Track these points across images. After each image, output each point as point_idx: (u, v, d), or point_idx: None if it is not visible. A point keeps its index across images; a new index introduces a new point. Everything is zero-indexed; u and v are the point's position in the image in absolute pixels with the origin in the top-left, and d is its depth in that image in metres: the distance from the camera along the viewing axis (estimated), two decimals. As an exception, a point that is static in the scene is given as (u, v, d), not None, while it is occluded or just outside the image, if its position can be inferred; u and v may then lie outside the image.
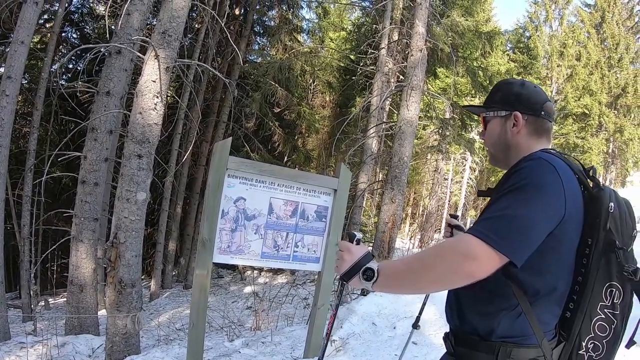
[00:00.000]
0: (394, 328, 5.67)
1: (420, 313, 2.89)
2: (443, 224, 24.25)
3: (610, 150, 33.24)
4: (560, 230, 1.39)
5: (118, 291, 4.81)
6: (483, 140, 1.82)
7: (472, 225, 1.44)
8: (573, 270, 1.49)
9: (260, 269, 14.27)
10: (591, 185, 1.51)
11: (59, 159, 7.17)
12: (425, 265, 1.41)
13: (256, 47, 16.78)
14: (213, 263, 3.94)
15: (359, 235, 1.69)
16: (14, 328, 7.53)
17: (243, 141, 13.56)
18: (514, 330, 1.46)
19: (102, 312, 7.13)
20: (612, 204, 1.45)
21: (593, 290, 1.45)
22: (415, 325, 2.86)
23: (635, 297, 1.48)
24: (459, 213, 23.27)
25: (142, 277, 7.45)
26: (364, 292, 6.12)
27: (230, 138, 4.07)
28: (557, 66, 27.64)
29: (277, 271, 14.02)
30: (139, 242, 4.97)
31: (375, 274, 1.45)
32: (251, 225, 4.09)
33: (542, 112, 1.63)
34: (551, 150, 1.59)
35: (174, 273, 14.91)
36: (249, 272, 14.82)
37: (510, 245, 1.31)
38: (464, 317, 1.60)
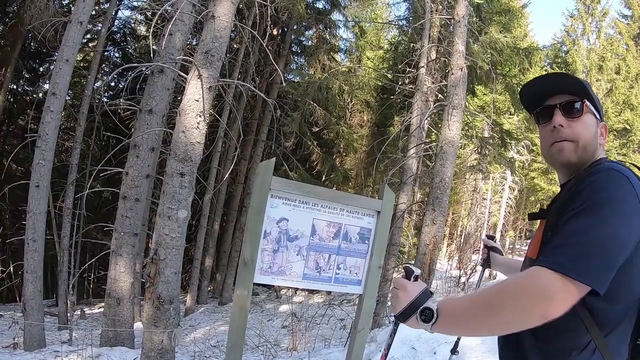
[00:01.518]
0: (434, 353, 5.58)
1: (459, 337, 2.75)
2: (481, 246, 23.73)
3: None
4: (636, 249, 1.20)
5: (156, 307, 4.84)
6: (562, 128, 1.45)
7: (540, 256, 1.24)
8: None
9: (296, 288, 14.25)
10: None
11: (101, 174, 7.33)
12: (490, 306, 1.25)
13: (294, 66, 16.98)
14: (254, 283, 3.92)
15: (417, 271, 1.55)
16: (49, 336, 7.67)
17: (282, 160, 13.64)
18: None
19: (137, 325, 7.20)
20: None
21: None
22: (454, 351, 2.73)
23: None
24: (498, 234, 22.89)
25: (179, 293, 7.52)
26: None
27: (274, 159, 4.03)
28: (597, 80, 26.94)
29: (313, 290, 13.97)
30: (178, 259, 5.00)
31: (435, 315, 1.34)
32: (293, 246, 4.04)
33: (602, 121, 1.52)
34: (613, 160, 1.39)
35: (209, 289, 15.04)
36: (284, 291, 14.82)
37: (592, 272, 1.14)
38: (524, 359, 1.39)
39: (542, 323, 1.16)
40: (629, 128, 26.61)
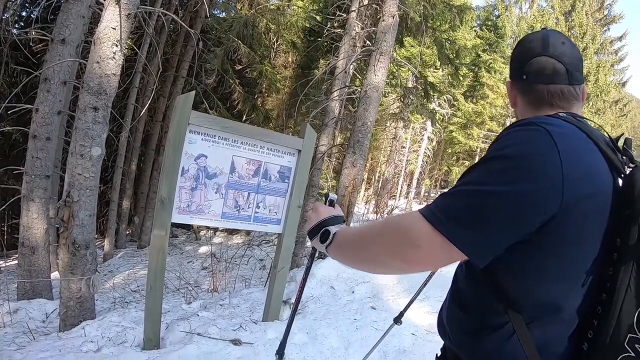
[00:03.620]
0: (353, 292, 5.70)
1: (405, 308, 2.68)
2: (398, 191, 24.78)
3: None
4: (559, 223, 1.01)
5: (72, 253, 4.59)
6: None
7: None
8: (595, 284, 1.07)
9: (216, 229, 14.15)
10: (621, 162, 1.11)
11: (9, 112, 6.80)
12: (367, 239, 1.21)
13: (221, 0, 16.29)
14: (172, 222, 3.79)
15: (333, 196, 1.58)
16: (-40, 292, 7.16)
17: (202, 97, 13.22)
18: (501, 355, 1.12)
19: (55, 275, 6.88)
20: None
21: (620, 314, 1.01)
22: (397, 320, 2.68)
23: None
24: (414, 181, 23.67)
25: (96, 237, 7.19)
26: (323, 256, 6.03)
27: (193, 92, 3.86)
28: (521, 48, 28.25)
29: (232, 231, 13.94)
30: (93, 200, 4.74)
31: (330, 238, 1.32)
32: (212, 184, 3.94)
33: (524, 76, 1.29)
34: (560, 114, 1.17)
35: (127, 232, 14.63)
36: (203, 232, 14.69)
37: (461, 231, 1.01)
38: (450, 332, 1.30)
39: (409, 270, 1.11)
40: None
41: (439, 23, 13.12)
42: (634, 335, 1.00)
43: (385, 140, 18.10)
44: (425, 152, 19.30)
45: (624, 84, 37.83)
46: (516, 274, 1.08)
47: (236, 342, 3.85)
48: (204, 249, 12.01)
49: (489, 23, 25.51)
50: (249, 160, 4.12)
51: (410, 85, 14.25)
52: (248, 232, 13.24)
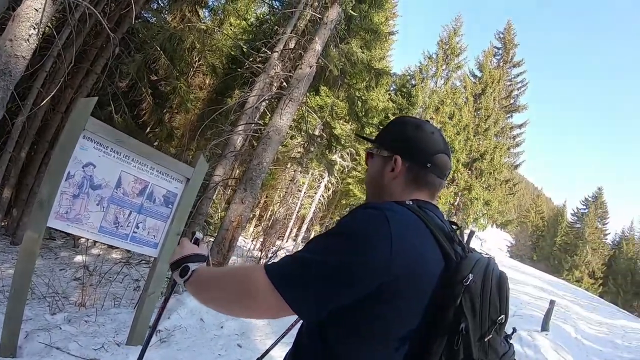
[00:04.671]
0: (222, 327, 5.71)
1: (268, 350, 2.73)
2: (287, 233, 24.95)
3: (456, 203, 37.17)
4: (383, 296, 1.14)
5: None
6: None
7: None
8: (413, 353, 1.18)
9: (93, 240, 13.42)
10: (454, 250, 1.25)
11: None
12: (220, 282, 1.33)
13: (155, 6, 15.98)
14: (47, 227, 3.69)
15: (199, 235, 1.71)
16: None
17: (110, 99, 12.76)
18: None
19: None
20: (470, 274, 1.16)
21: None
22: None
23: None
24: (305, 225, 23.97)
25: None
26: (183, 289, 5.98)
27: (96, 98, 3.84)
28: (431, 118, 29.81)
29: (112, 246, 13.28)
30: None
31: (189, 274, 1.42)
32: (95, 195, 3.88)
33: (429, 164, 1.40)
34: (407, 202, 1.31)
35: (3, 224, 13.54)
36: (83, 240, 13.93)
37: (290, 290, 1.15)
38: None
39: (252, 317, 1.29)
40: (445, 167, 30.10)
41: (355, 81, 13.61)
42: None
43: (284, 181, 18.30)
44: (320, 199, 19.69)
45: (516, 166, 42.67)
46: (341, 337, 1.18)
47: (95, 362, 3.77)
48: (79, 258, 11.39)
49: (404, 90, 26.80)
50: (136, 178, 4.13)
51: (317, 132, 14.62)
52: (128, 250, 12.75)
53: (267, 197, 20.26)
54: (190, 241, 1.66)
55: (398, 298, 1.15)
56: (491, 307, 1.17)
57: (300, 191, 19.50)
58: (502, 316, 1.19)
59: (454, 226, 1.40)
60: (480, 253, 1.31)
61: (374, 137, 1.58)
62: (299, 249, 1.26)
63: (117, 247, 13.15)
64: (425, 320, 1.17)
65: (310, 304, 1.15)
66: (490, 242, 73.48)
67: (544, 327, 12.08)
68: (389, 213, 1.19)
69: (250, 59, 12.22)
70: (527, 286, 26.70)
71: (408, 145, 1.44)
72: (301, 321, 1.38)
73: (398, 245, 1.13)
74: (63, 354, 3.69)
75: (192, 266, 1.44)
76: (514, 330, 1.42)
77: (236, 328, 5.79)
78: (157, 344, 4.71)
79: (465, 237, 1.40)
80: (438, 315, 1.15)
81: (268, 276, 1.16)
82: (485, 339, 1.14)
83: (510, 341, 1.33)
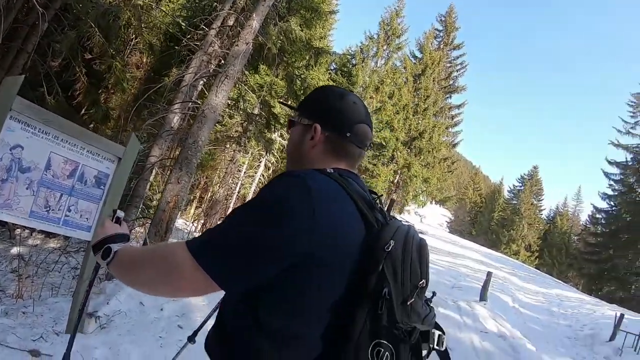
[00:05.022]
0: (162, 310, 5.65)
1: (199, 327, 2.71)
2: (227, 213, 24.49)
3: (395, 181, 38.17)
4: (304, 266, 1.14)
5: None
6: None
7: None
8: (336, 319, 1.19)
9: (33, 229, 12.94)
10: (375, 218, 1.27)
11: None
12: (141, 261, 1.31)
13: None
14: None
15: (120, 213, 1.65)
16: None
17: (43, 80, 12.20)
18: None
19: None
20: (392, 241, 1.18)
21: (356, 347, 1.13)
22: (191, 339, 2.68)
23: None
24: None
25: None
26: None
27: (23, 77, 3.68)
28: (370, 97, 30.19)
29: (49, 234, 12.82)
30: None
31: (111, 256, 1.37)
32: (24, 178, 3.69)
33: (349, 134, 1.40)
34: (328, 171, 1.32)
35: None
36: (19, 231, 13.36)
37: (214, 264, 1.15)
38: (211, 352, 1.34)
39: (181, 296, 1.26)
40: (384, 144, 30.56)
41: (294, 59, 13.53)
42: None
43: (223, 161, 18.03)
44: (260, 179, 19.57)
45: (455, 145, 44.19)
46: (272, 310, 1.17)
47: (35, 353, 3.69)
48: (16, 250, 10.97)
49: (345, 69, 26.90)
50: (66, 159, 3.99)
51: (256, 111, 14.51)
52: (66, 237, 12.33)
53: (207, 178, 19.93)
54: (112, 220, 1.60)
55: (322, 266, 1.16)
56: (412, 272, 1.20)
57: (240, 171, 19.29)
58: (423, 281, 1.22)
59: (374, 195, 1.42)
60: (400, 221, 1.33)
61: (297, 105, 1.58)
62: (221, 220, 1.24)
63: (54, 236, 12.71)
64: (349, 288, 1.19)
65: (234, 277, 1.15)
66: (430, 218, 75.53)
67: (482, 297, 12.70)
68: (310, 181, 1.20)
69: (188, 37, 11.96)
70: (467, 259, 27.76)
71: (328, 114, 1.43)
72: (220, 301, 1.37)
73: (320, 214, 1.14)
74: (1, 347, 3.59)
75: (115, 247, 1.40)
76: (434, 293, 1.49)
77: (176, 310, 5.75)
78: (98, 330, 4.64)
79: (386, 205, 1.42)
80: (361, 281, 1.16)
81: (190, 252, 1.15)
82: (408, 303, 1.17)
83: (431, 304, 1.37)
